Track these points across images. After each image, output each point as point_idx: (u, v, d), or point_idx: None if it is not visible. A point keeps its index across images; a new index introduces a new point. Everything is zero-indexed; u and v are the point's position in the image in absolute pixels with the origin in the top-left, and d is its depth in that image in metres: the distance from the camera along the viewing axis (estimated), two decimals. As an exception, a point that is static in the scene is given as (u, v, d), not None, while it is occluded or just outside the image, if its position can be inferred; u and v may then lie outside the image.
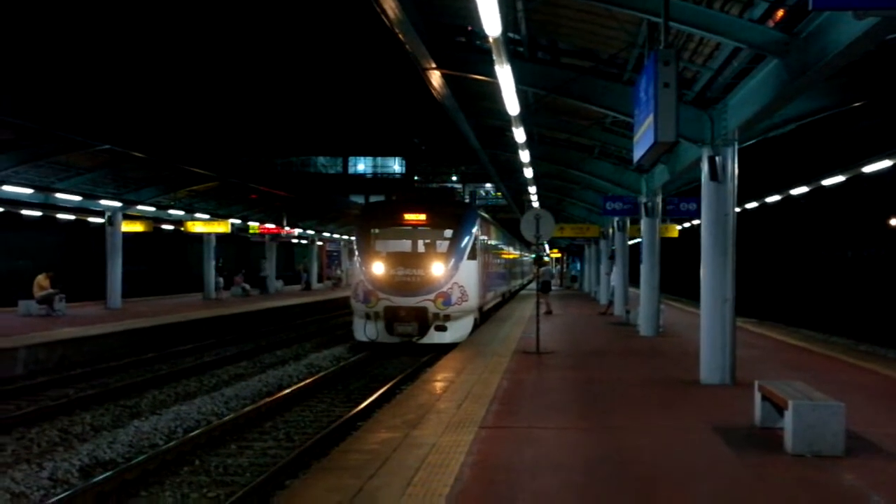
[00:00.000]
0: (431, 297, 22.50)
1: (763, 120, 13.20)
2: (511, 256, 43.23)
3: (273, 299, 40.30)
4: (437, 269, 22.72)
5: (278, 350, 24.08)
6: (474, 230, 23.93)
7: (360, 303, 23.11)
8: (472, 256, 23.58)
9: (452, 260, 22.90)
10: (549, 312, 30.05)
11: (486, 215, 30.71)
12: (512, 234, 42.83)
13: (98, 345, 21.13)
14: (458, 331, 22.81)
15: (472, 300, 23.37)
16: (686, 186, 26.66)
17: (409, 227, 24.08)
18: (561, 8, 13.99)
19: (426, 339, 22.65)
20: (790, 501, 7.21)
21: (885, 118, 21.27)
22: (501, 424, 10.19)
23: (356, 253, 23.77)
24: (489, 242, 29.29)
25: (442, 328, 22.70)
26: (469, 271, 23.29)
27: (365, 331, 23.00)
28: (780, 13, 10.62)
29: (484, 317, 27.20)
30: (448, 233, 23.64)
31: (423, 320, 22.62)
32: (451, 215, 24.17)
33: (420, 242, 24.27)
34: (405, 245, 24.19)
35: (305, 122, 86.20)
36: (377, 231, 23.91)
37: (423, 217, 23.87)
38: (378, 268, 22.85)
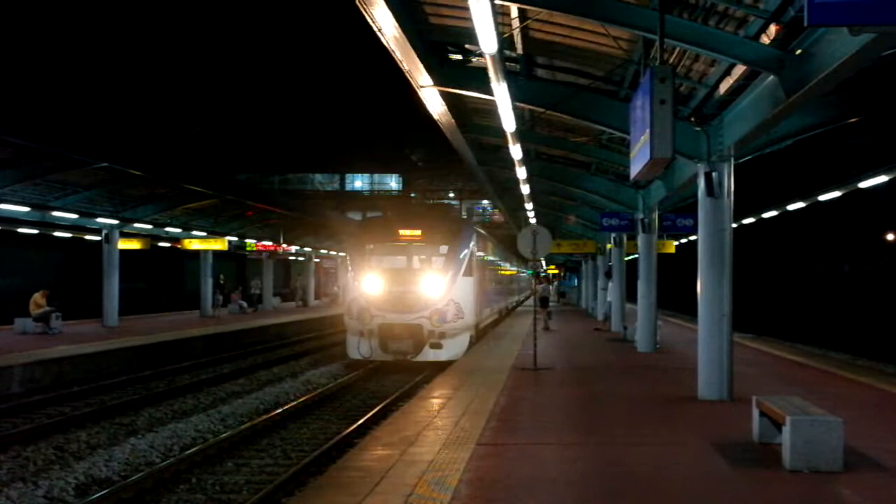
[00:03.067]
0: (427, 314, 22.01)
1: (759, 136, 13.25)
2: (508, 273, 42.73)
3: (269, 316, 40.23)
4: (433, 285, 22.30)
5: (275, 367, 24.00)
6: (470, 246, 23.52)
7: (353, 320, 22.66)
8: (469, 273, 23.13)
9: (448, 276, 22.47)
10: (546, 328, 30.03)
11: (482, 231, 30.49)
12: (509, 250, 42.72)
13: (94, 362, 21.07)
14: (453, 348, 22.19)
15: (468, 317, 22.91)
16: (683, 202, 26.72)
17: (405, 244, 23.37)
18: (556, 25, 14.04)
19: (421, 357, 22.08)
20: (789, 518, 7.19)
21: (881, 134, 21.35)
22: (499, 441, 10.17)
23: (350, 269, 23.36)
24: (486, 258, 28.67)
25: (437, 346, 22.07)
26: (465, 288, 22.89)
27: (359, 348, 22.51)
28: (776, 29, 10.66)
29: (480, 334, 26.63)
30: (444, 249, 23.18)
31: (418, 338, 22.10)
32: (447, 231, 23.69)
33: (415, 259, 23.44)
34: (400, 261, 23.40)
35: (303, 140, 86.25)
36: (372, 247, 23.43)
37: (418, 233, 23.27)
38: (372, 284, 22.47)
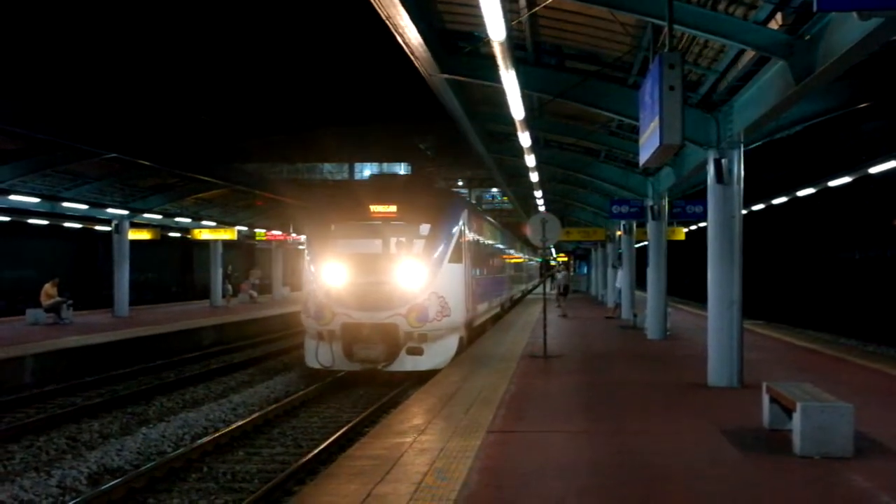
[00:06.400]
0: (403, 311, 17.79)
1: (769, 122, 13.20)
2: (512, 259, 39.09)
3: (279, 306, 40.32)
4: (411, 274, 18.04)
5: (285, 356, 24.07)
6: (459, 225, 19.33)
7: (311, 319, 18.45)
8: (457, 258, 19.00)
9: (430, 263, 18.25)
10: (562, 315, 30.18)
11: (477, 208, 28.50)
12: (514, 232, 41.95)
13: (105, 353, 21.15)
14: (437, 354, 18.10)
15: (457, 314, 18.71)
16: (692, 189, 26.66)
17: (376, 222, 18.90)
18: (565, 12, 13.99)
19: (396, 367, 17.97)
20: (798, 503, 7.20)
21: (893, 118, 21.24)
22: (509, 429, 10.19)
23: (308, 255, 19.02)
24: (481, 241, 24.24)
25: (416, 351, 17.95)
26: (452, 277, 18.75)
27: (317, 355, 18.33)
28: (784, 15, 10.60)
29: (475, 334, 22.47)
30: (425, 228, 18.77)
31: (392, 341, 17.96)
32: (429, 206, 19.15)
33: (389, 241, 19.02)
34: (369, 245, 19.00)
35: (312, 129, 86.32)
36: (334, 227, 19.01)
37: (392, 209, 18.78)
38: (334, 274, 18.18)
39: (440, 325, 18.11)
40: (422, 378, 16.43)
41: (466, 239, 20.19)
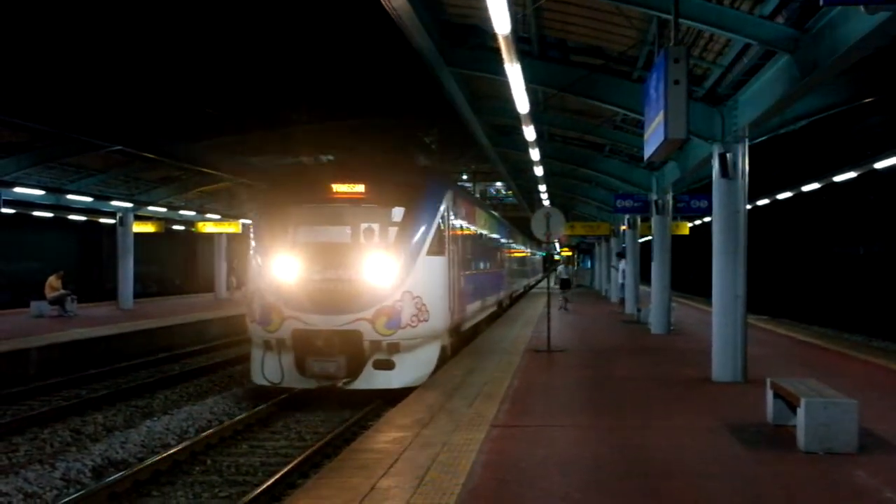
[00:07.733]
0: (368, 315, 14.37)
1: (774, 116, 13.17)
2: (512, 252, 35.97)
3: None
4: (379, 269, 14.61)
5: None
6: (442, 209, 15.88)
7: (256, 324, 15.02)
8: (438, 250, 15.49)
9: (404, 255, 14.79)
10: (562, 308, 30.26)
11: (467, 190, 24.76)
12: (515, 224, 41.50)
13: (109, 345, 21.17)
14: (412, 368, 14.77)
15: (437, 318, 15.26)
16: (697, 183, 26.61)
17: (338, 204, 15.40)
18: (570, 6, 13.97)
19: (360, 384, 14.61)
20: (802, 499, 7.18)
21: (896, 114, 21.21)
22: (513, 423, 10.18)
23: (253, 245, 15.54)
24: (471, 229, 20.49)
25: (386, 364, 14.56)
26: (431, 273, 15.24)
27: (263, 369, 15.01)
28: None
29: (462, 340, 19.04)
30: (398, 213, 15.29)
31: (355, 352, 14.53)
32: (404, 186, 15.66)
33: (357, 228, 15.32)
34: (329, 232, 15.37)
35: (317, 120, 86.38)
36: (287, 210, 15.42)
37: (359, 189, 15.30)
38: (284, 269, 14.78)
39: (416, 331, 14.76)
40: (392, 398, 13.55)
41: (451, 226, 16.79)
